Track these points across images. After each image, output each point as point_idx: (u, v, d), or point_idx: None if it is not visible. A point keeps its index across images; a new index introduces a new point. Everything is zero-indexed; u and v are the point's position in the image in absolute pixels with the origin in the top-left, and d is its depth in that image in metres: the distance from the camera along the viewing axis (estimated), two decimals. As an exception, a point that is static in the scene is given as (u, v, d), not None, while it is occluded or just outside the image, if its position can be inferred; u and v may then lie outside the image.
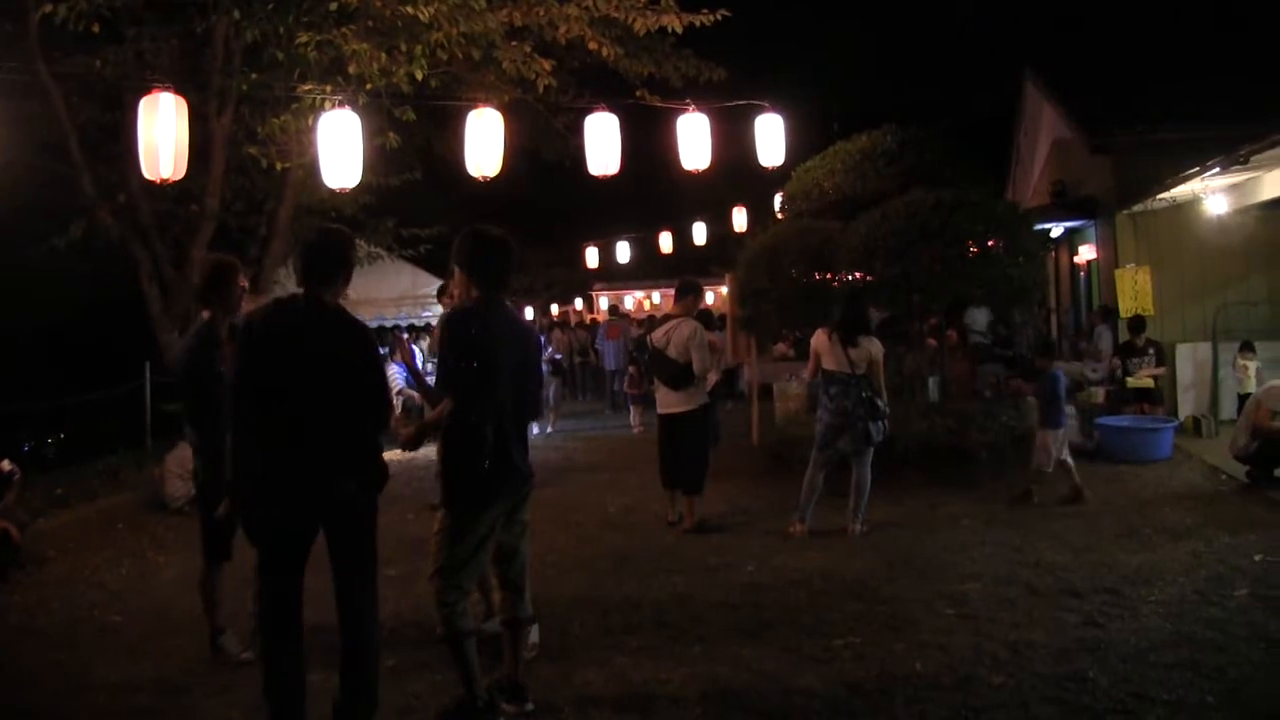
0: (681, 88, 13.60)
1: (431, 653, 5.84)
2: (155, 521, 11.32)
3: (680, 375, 9.57)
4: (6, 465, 9.77)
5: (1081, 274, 18.96)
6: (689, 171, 10.55)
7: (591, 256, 28.62)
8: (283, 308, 5.20)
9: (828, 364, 9.32)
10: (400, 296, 19.81)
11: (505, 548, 5.49)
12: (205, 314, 6.52)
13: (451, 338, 5.30)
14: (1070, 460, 10.71)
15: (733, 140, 11.50)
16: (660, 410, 9.99)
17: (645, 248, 28.09)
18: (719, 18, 11.90)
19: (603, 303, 42.28)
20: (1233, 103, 13.93)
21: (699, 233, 25.33)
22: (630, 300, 42.74)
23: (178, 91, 8.49)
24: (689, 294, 10.14)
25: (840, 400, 9.25)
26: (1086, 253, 18.03)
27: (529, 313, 36.77)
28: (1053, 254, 19.77)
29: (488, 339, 5.26)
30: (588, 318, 41.16)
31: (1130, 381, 13.65)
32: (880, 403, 9.28)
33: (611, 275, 33.85)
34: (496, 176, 9.54)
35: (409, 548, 8.38)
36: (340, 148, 8.66)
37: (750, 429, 14.74)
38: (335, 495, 5.04)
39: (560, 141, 14.66)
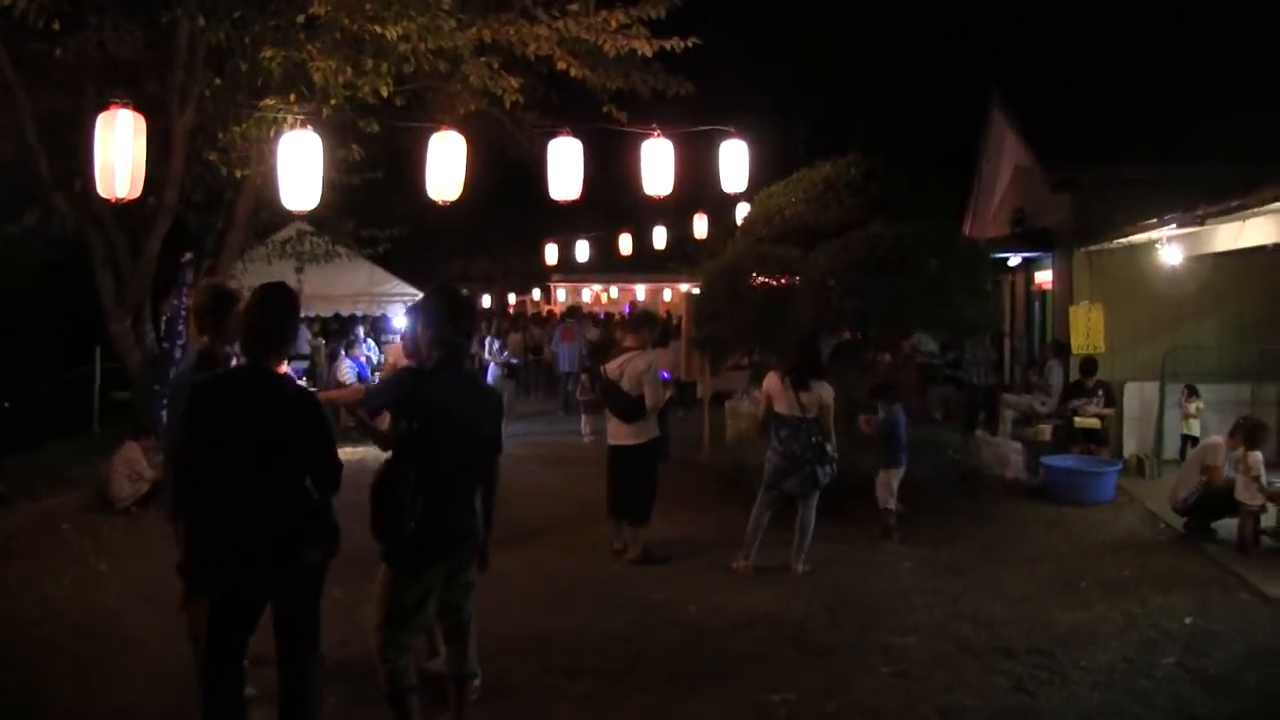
0: (649, 98, 13.57)
1: (374, 688, 5.80)
2: (101, 523, 11.23)
3: (632, 409, 9.59)
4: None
5: (1037, 302, 19.09)
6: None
7: (551, 253, 28.64)
8: (229, 377, 5.21)
9: (779, 407, 9.37)
10: (357, 293, 19.76)
11: (448, 604, 5.51)
12: (204, 339, 6.59)
13: (399, 397, 5.33)
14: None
15: (696, 152, 11.53)
16: (610, 441, 10.00)
17: (605, 247, 28.12)
18: (690, 44, 11.92)
19: (560, 295, 42.38)
20: (1195, 140, 14.13)
21: (659, 236, 25.38)
22: (588, 293, 42.88)
23: (136, 108, 8.39)
24: (645, 327, 10.17)
25: (790, 444, 9.30)
26: (1043, 280, 18.18)
27: (485, 301, 36.89)
28: (1010, 278, 19.92)
29: (435, 403, 5.27)
30: (544, 309, 41.23)
31: (1078, 421, 13.78)
32: (829, 447, 9.34)
33: (570, 269, 33.80)
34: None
35: (355, 567, 8.33)
36: (300, 168, 8.61)
37: (701, 443, 14.77)
38: (289, 562, 5.03)
39: (525, 145, 14.60)
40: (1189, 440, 14.23)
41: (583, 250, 27.95)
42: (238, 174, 13.03)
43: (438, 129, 9.22)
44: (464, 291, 5.78)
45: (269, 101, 11.57)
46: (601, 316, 34.15)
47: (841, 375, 12.24)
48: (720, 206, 20.81)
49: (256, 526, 4.94)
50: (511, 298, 41.59)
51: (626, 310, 40.69)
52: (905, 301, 11.63)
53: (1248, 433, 10.57)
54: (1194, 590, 9.10)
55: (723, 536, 10.47)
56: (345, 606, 6.94)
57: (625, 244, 26.76)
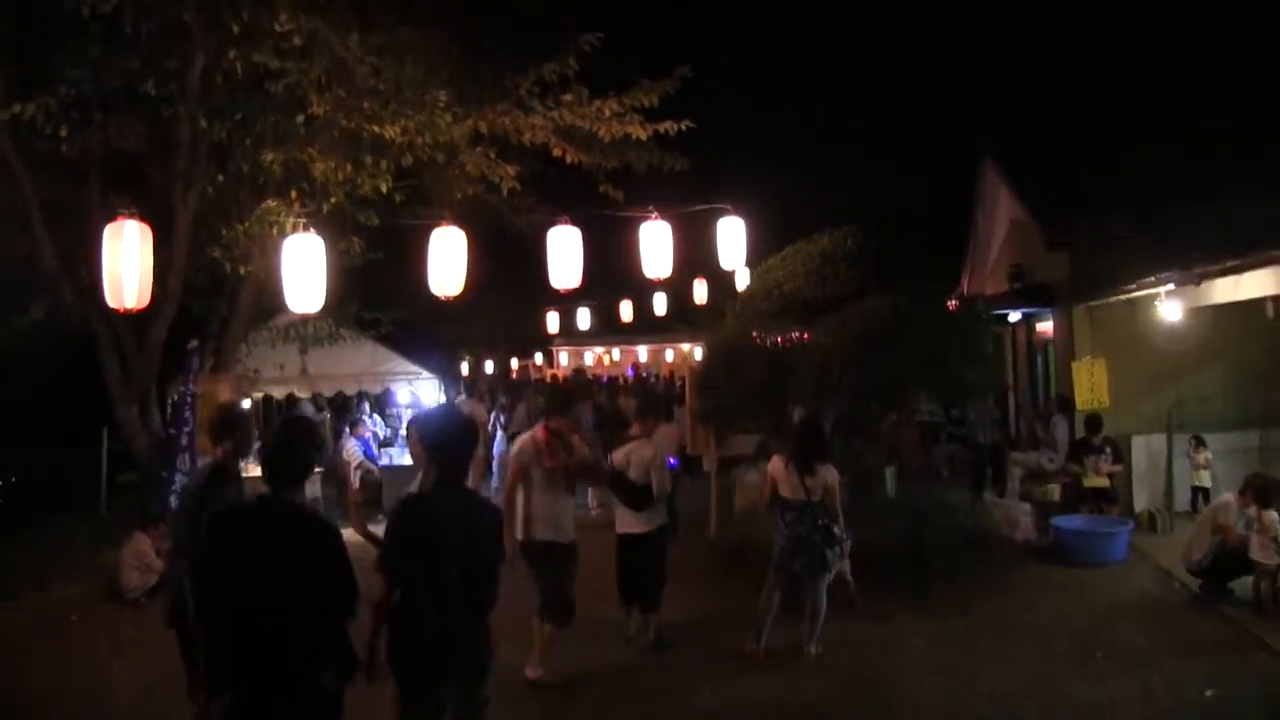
0: (644, 174, 13.66)
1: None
2: (111, 614, 11.25)
3: (640, 497, 9.60)
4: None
5: (1039, 355, 19.10)
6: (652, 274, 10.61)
7: (552, 321, 28.72)
8: (250, 507, 5.24)
9: (784, 491, 9.37)
10: (361, 372, 19.85)
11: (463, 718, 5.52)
12: (219, 451, 6.99)
13: (398, 526, 5.40)
14: (845, 569, 10.77)
15: (695, 222, 11.59)
16: (619, 529, 9.99)
17: (605, 314, 28.18)
18: (684, 127, 12.03)
19: (563, 358, 42.41)
20: (1189, 194, 14.21)
21: (659, 302, 25.44)
22: (590, 356, 42.91)
23: (143, 219, 8.46)
24: (650, 415, 10.17)
25: (796, 527, 9.29)
26: (1044, 329, 18.20)
27: (489, 367, 36.89)
28: (1010, 332, 19.95)
29: (435, 528, 5.34)
30: (547, 373, 41.24)
31: (1087, 481, 13.76)
32: (836, 529, 9.33)
33: (572, 334, 33.83)
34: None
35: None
36: (304, 271, 8.65)
37: (709, 517, 14.72)
38: (308, 688, 5.03)
39: (524, 230, 14.68)
40: (1200, 492, 14.25)
41: (584, 318, 28.02)
42: (241, 270, 13.11)
43: (438, 223, 9.24)
44: (460, 416, 5.81)
45: (270, 203, 11.69)
46: (605, 380, 34.16)
47: (846, 444, 12.28)
48: (720, 271, 20.88)
49: (273, 653, 4.95)
50: (514, 362, 41.58)
51: (629, 373, 40.96)
52: (905, 372, 11.67)
53: (1259, 490, 10.56)
54: (1212, 655, 9.10)
55: (733, 616, 10.43)
56: (357, 705, 6.93)
57: (626, 310, 26.84)
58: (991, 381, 13.10)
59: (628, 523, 9.83)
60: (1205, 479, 14.27)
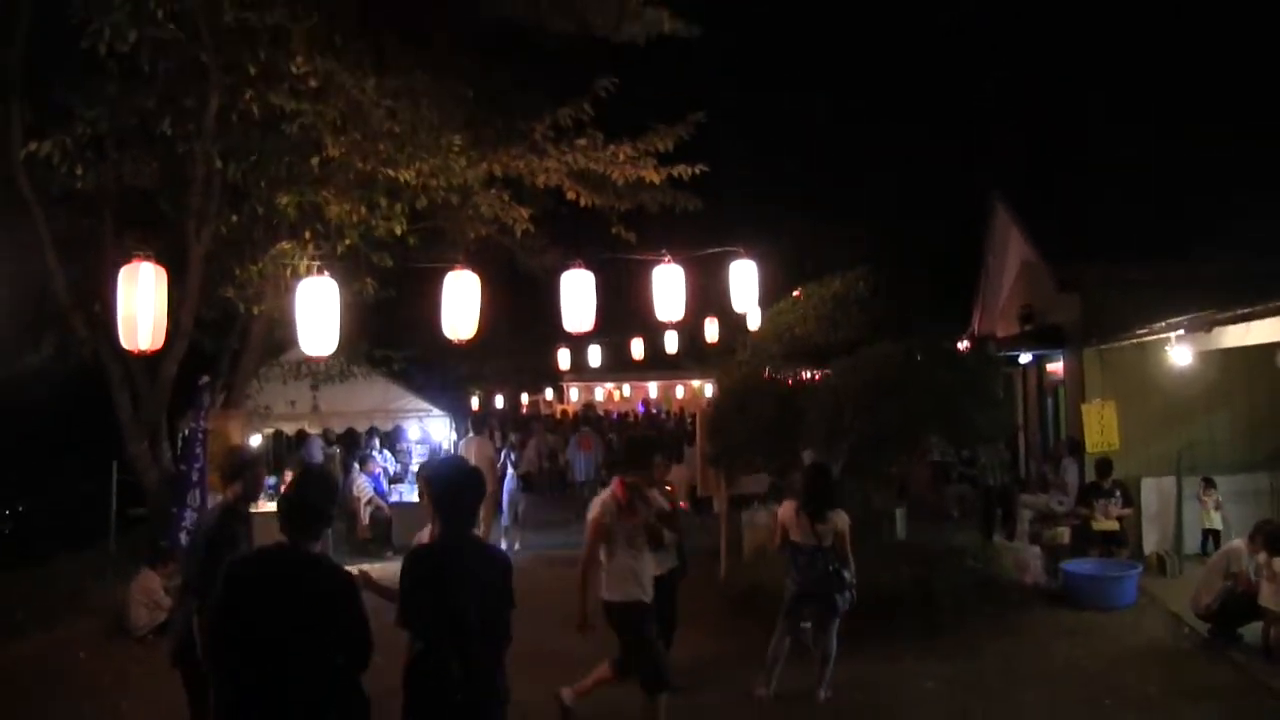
0: (657, 213, 13.74)
1: None
2: (119, 651, 11.26)
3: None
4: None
5: (1049, 397, 19.09)
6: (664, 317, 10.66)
7: (564, 357, 28.76)
8: (267, 556, 5.27)
9: (794, 536, 9.38)
10: (372, 409, 19.87)
11: None
12: (229, 493, 7.12)
13: (411, 578, 5.45)
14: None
15: (707, 262, 11.65)
16: (630, 572, 9.99)
17: (617, 351, 28.20)
18: (697, 171, 12.11)
19: (574, 394, 42.48)
20: (1201, 236, 14.29)
21: (671, 340, 25.45)
22: (600, 392, 42.99)
23: (157, 261, 8.52)
24: (662, 460, 10.18)
25: (807, 572, 9.29)
26: (1054, 369, 18.20)
27: (499, 401, 36.91)
28: (1020, 373, 19.94)
29: (447, 578, 5.38)
30: (557, 409, 41.28)
31: (1096, 524, 13.75)
32: (847, 574, 9.32)
33: (582, 370, 33.87)
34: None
35: (377, 705, 8.33)
36: (318, 314, 8.70)
37: (719, 558, 14.68)
38: None
39: (538, 272, 14.76)
40: (1210, 534, 14.23)
41: (595, 355, 28.06)
42: (255, 310, 13.18)
43: (452, 266, 9.28)
44: (467, 467, 5.87)
45: (285, 245, 11.76)
46: (615, 417, 34.16)
47: (856, 485, 12.30)
48: (731, 310, 20.92)
49: (284, 700, 4.98)
50: (524, 397, 41.65)
51: (640, 409, 41.02)
52: (916, 417, 11.69)
53: (1269, 537, 10.52)
54: (1221, 702, 9.11)
55: (743, 659, 10.40)
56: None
57: (638, 348, 26.88)
58: (1002, 426, 13.13)
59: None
60: (1216, 521, 14.26)
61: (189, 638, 6.81)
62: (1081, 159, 18.84)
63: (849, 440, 11.97)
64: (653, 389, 43.37)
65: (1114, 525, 13.81)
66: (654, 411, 38.99)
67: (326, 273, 8.75)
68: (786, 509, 9.60)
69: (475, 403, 34.95)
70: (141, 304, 8.39)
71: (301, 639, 4.99)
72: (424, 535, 7.01)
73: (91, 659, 11.04)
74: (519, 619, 5.63)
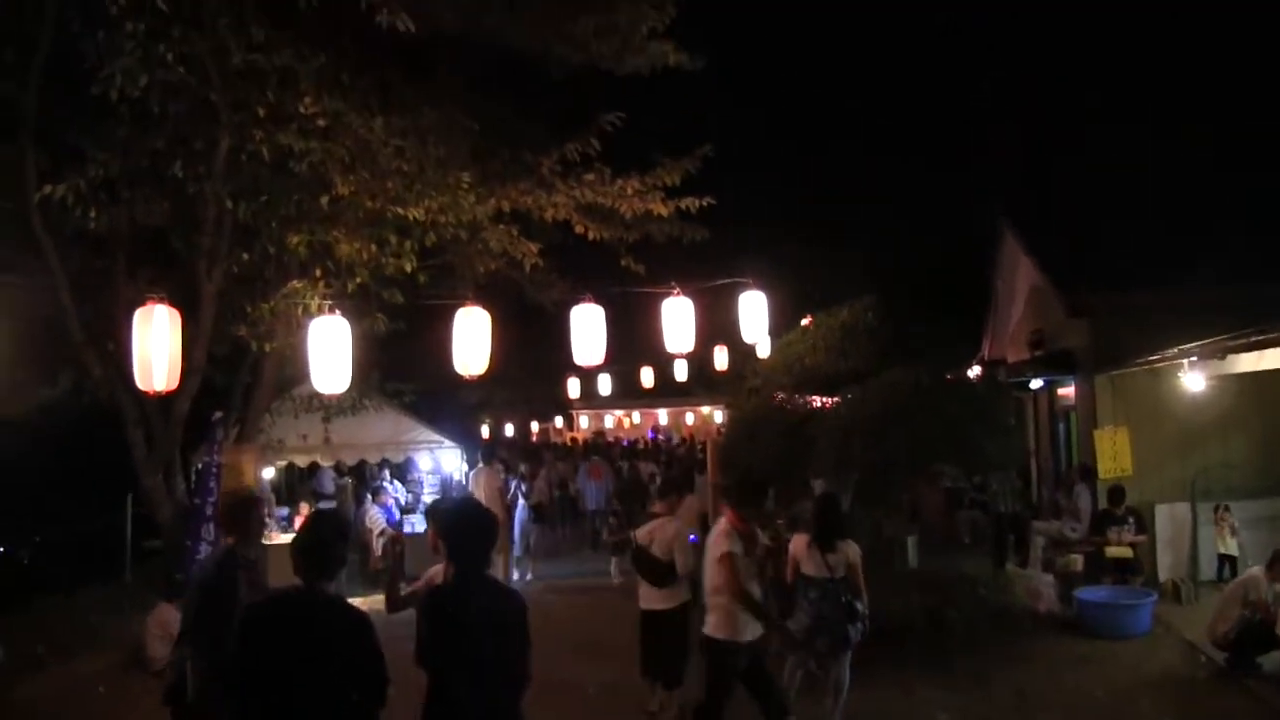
0: (665, 243, 13.78)
1: None
2: (136, 685, 11.29)
3: (663, 574, 9.60)
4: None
5: (1061, 422, 19.07)
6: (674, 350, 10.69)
7: (573, 386, 28.79)
8: (283, 599, 5.30)
9: (806, 569, 9.39)
10: (383, 441, 19.93)
11: None
12: (229, 540, 7.04)
13: (429, 619, 5.45)
14: None
15: (715, 291, 11.70)
16: (642, 605, 9.96)
17: (626, 379, 28.21)
18: (705, 204, 12.17)
19: (583, 421, 42.55)
20: (1211, 260, 14.20)
21: (680, 368, 25.47)
22: (610, 419, 43.06)
23: (171, 303, 8.58)
24: (672, 493, 10.20)
25: (820, 605, 9.29)
26: (1065, 393, 18.18)
27: (509, 430, 36.97)
28: (1031, 397, 19.92)
29: (464, 619, 5.38)
30: (567, 437, 41.33)
31: (1110, 551, 13.72)
32: (859, 605, 9.32)
33: (592, 398, 33.91)
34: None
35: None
36: (330, 353, 8.75)
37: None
38: None
39: (548, 306, 14.80)
40: (1227, 560, 14.18)
41: (605, 384, 28.06)
42: (266, 348, 13.23)
43: (462, 303, 9.33)
44: (480, 509, 5.90)
45: (296, 284, 11.82)
46: (625, 444, 34.13)
47: (867, 514, 12.30)
48: (740, 338, 20.97)
49: None
50: (534, 425, 41.73)
51: (650, 435, 41.05)
52: (926, 446, 11.70)
53: (1287, 565, 10.56)
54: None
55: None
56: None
57: (647, 377, 26.91)
58: (1013, 454, 13.13)
59: (651, 598, 9.81)
60: (1232, 547, 14.21)
61: (182, 681, 6.87)
62: (1089, 183, 18.84)
63: (859, 469, 11.98)
64: (663, 416, 43.45)
65: (1127, 552, 13.78)
66: (666, 439, 38.98)
67: (338, 311, 8.80)
68: (798, 541, 9.62)
69: (485, 431, 35.02)
70: (156, 346, 8.45)
71: (318, 679, 5.02)
72: (435, 574, 7.03)
73: (111, 693, 11.10)
74: (534, 645, 5.64)
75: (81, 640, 12.94)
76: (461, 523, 5.68)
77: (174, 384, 8.86)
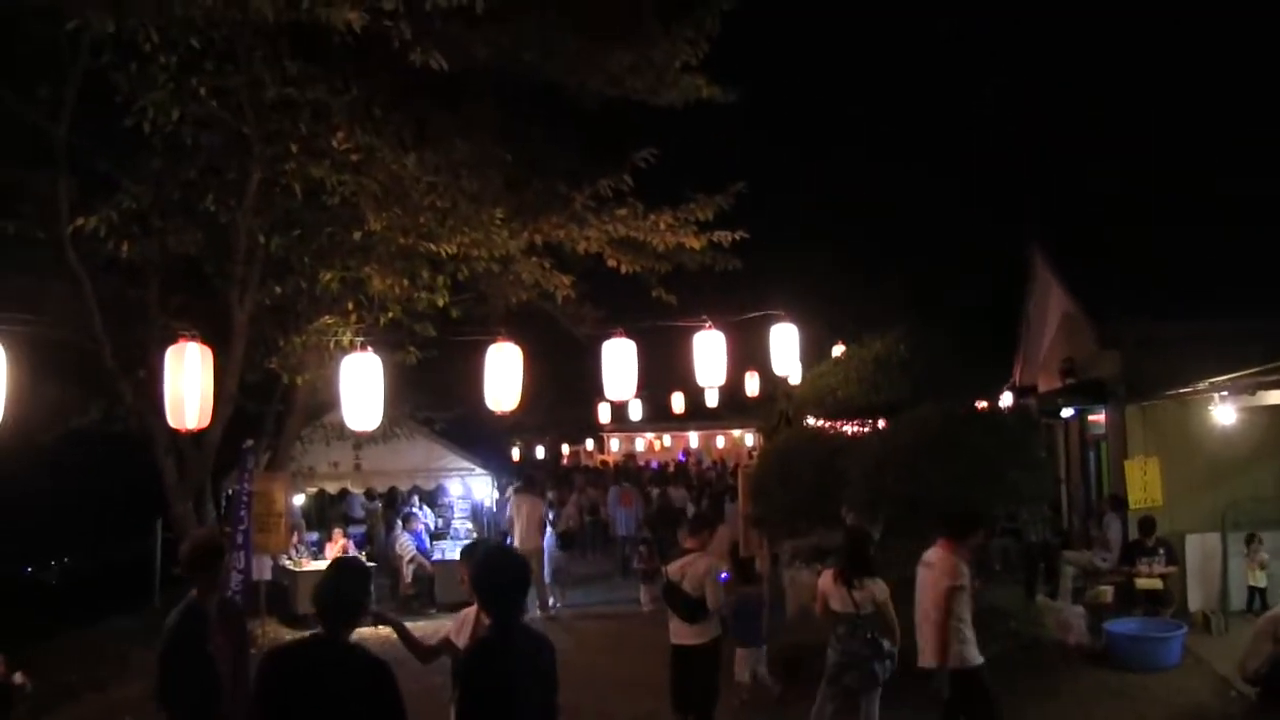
0: (696, 271, 13.83)
1: None
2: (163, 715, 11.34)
3: (694, 610, 9.61)
4: (18, 678, 9.86)
5: (1091, 451, 19.00)
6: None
7: (604, 412, 28.85)
8: (303, 646, 5.34)
9: (834, 605, 9.40)
10: (413, 469, 20.00)
11: None
12: (193, 592, 6.60)
13: (472, 676, 5.47)
14: (764, 673, 11.64)
15: (748, 322, 11.76)
16: (673, 640, 9.96)
17: (657, 404, 28.25)
18: (738, 237, 12.23)
19: (614, 444, 42.56)
20: (1244, 291, 14.26)
21: (711, 394, 25.49)
22: (641, 443, 43.10)
23: (204, 341, 8.66)
24: (704, 529, 10.22)
25: (847, 641, 9.30)
26: (1096, 419, 18.11)
27: (539, 452, 37.01)
28: (1062, 425, 19.85)
29: (507, 673, 5.37)
30: (598, 459, 41.34)
31: (1140, 583, 13.66)
32: (886, 644, 9.31)
33: (623, 421, 33.92)
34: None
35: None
36: (361, 389, 8.83)
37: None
38: None
39: (579, 337, 14.85)
40: (1257, 592, 14.10)
41: (636, 409, 28.10)
42: (298, 381, 13.32)
43: (494, 339, 9.39)
44: (513, 558, 5.92)
45: (328, 319, 11.92)
46: (655, 466, 34.10)
47: (900, 546, 12.27)
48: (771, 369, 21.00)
49: None
50: (565, 448, 41.76)
51: (680, 458, 41.06)
52: (958, 481, 11.67)
53: (1318, 602, 10.50)
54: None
55: (787, 724, 10.38)
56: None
57: (678, 402, 26.98)
58: (1045, 488, 13.06)
59: (682, 634, 9.81)
60: (1262, 579, 14.13)
61: None
62: (1122, 211, 18.79)
63: (891, 503, 11.97)
64: (693, 439, 43.55)
65: (1158, 584, 13.71)
66: (695, 462, 39.00)
67: (370, 349, 8.88)
68: (826, 578, 9.62)
69: (516, 454, 35.06)
70: (189, 384, 8.52)
71: None
72: (467, 618, 7.07)
73: (141, 721, 11.15)
74: (565, 676, 5.68)
75: (110, 669, 12.97)
76: (495, 574, 5.65)
77: (205, 422, 8.93)
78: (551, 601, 17.99)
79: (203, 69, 10.51)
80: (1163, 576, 13.80)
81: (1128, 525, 14.82)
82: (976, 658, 8.62)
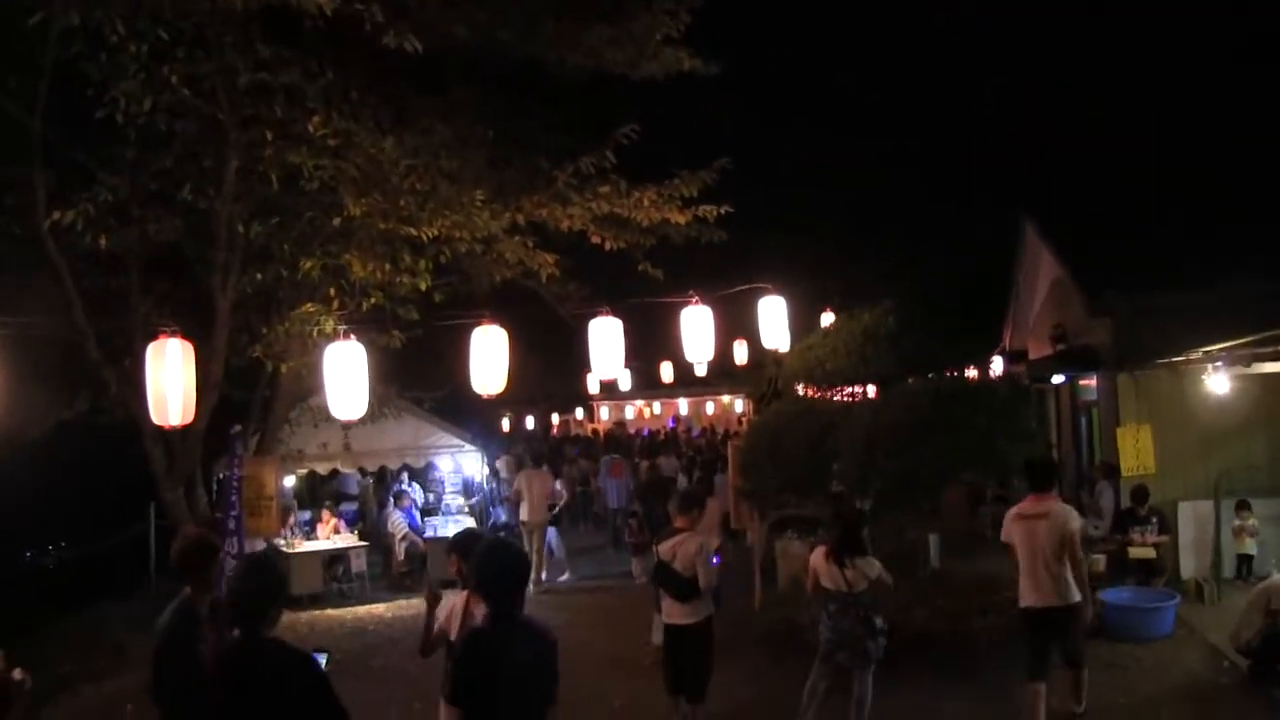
0: (682, 245, 13.72)
1: None
2: (161, 705, 11.33)
3: (686, 589, 9.57)
4: (18, 674, 9.80)
5: (1083, 416, 18.97)
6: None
7: (593, 383, 28.82)
8: (223, 653, 5.24)
9: (825, 582, 9.39)
10: (402, 447, 19.94)
11: None
12: (186, 589, 6.57)
13: (467, 663, 5.45)
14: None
15: (736, 299, 11.72)
16: (665, 620, 9.92)
17: (646, 374, 28.21)
18: (723, 211, 12.14)
19: (604, 413, 42.62)
20: (1235, 259, 14.12)
21: (699, 366, 25.43)
22: (631, 410, 43.12)
23: (184, 336, 8.58)
24: (694, 508, 10.16)
25: (839, 619, 9.29)
26: (1088, 382, 18.08)
27: (529, 423, 36.99)
28: (1054, 391, 19.82)
29: (502, 663, 5.37)
30: (588, 428, 41.36)
31: (1132, 552, 13.64)
32: (879, 621, 9.30)
33: (613, 389, 33.90)
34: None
35: None
36: (345, 377, 8.75)
37: (753, 587, 14.65)
38: None
39: (565, 317, 14.75)
40: (1245, 560, 14.11)
41: (625, 379, 28.08)
42: (282, 368, 13.24)
43: (479, 321, 9.31)
44: (511, 548, 5.87)
45: (309, 307, 11.82)
46: (645, 433, 34.11)
47: (890, 519, 12.27)
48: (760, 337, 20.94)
49: None
50: (555, 418, 41.76)
51: (670, 424, 41.10)
52: (948, 455, 11.65)
53: (1311, 575, 10.49)
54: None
55: (778, 704, 10.38)
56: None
57: (667, 372, 26.93)
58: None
59: (674, 613, 9.77)
60: (1250, 546, 14.15)
61: None
62: (1112, 177, 18.73)
63: (882, 479, 11.94)
64: (683, 405, 43.55)
65: (1150, 553, 13.69)
66: (685, 429, 39.00)
67: (353, 336, 8.79)
68: (818, 555, 9.60)
69: (506, 424, 35.05)
70: (170, 380, 8.45)
71: None
72: (455, 607, 7.03)
73: (138, 712, 11.09)
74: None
75: (106, 659, 12.92)
76: (494, 568, 5.62)
77: (189, 418, 8.85)
78: (566, 576, 18.28)
79: (174, 56, 10.36)
80: (1156, 546, 13.77)
81: (1120, 493, 14.80)
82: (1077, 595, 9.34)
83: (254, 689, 5.04)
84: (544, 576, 17.80)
